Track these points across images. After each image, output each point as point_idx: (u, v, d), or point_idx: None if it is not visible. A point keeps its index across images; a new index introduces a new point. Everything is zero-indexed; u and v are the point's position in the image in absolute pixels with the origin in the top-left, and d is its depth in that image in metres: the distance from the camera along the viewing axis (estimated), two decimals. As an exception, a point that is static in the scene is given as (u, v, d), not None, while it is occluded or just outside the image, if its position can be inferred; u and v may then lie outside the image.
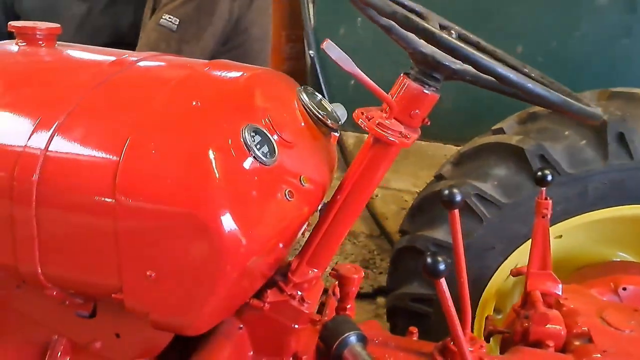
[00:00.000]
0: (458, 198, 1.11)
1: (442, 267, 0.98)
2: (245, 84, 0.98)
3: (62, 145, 0.85)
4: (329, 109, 1.15)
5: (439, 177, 1.96)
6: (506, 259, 1.82)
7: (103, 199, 0.81)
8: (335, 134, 1.22)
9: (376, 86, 0.88)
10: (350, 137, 2.90)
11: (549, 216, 1.42)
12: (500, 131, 1.89)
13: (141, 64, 1.01)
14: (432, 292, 1.89)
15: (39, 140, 0.86)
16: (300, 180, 0.95)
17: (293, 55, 3.13)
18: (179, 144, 0.83)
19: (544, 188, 1.42)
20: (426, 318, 1.89)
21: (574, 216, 1.75)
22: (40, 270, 0.88)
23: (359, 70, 0.85)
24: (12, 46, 1.08)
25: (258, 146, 0.87)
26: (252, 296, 1.04)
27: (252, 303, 1.04)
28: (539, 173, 1.40)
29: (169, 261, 0.83)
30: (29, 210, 0.84)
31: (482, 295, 1.88)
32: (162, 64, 1.04)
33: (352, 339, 1.17)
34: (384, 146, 0.96)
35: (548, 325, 1.37)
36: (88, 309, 1.00)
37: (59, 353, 1.04)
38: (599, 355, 1.30)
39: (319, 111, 1.10)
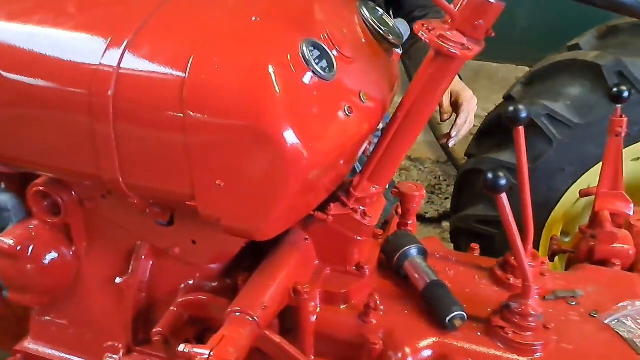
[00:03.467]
0: (523, 115, 1.09)
1: (502, 182, 0.98)
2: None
3: (133, 62, 0.90)
4: (391, 25, 1.14)
5: (508, 99, 1.90)
6: (576, 181, 1.78)
7: (172, 113, 0.87)
8: (398, 50, 1.20)
9: None
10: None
11: (623, 135, 1.37)
12: (576, 47, 1.79)
13: None
14: (497, 213, 1.90)
15: (112, 58, 0.91)
16: (360, 97, 0.96)
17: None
18: (240, 60, 0.85)
19: (619, 105, 1.35)
20: (490, 240, 1.90)
21: (653, 137, 1.67)
22: (121, 180, 0.97)
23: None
24: None
25: (317, 61, 0.88)
26: (316, 209, 1.09)
27: (316, 215, 1.09)
28: (615, 89, 1.33)
29: (236, 171, 0.88)
30: (107, 124, 0.91)
31: (549, 217, 1.86)
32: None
33: (413, 251, 1.21)
34: (445, 59, 0.95)
35: (615, 245, 1.35)
36: (166, 218, 1.09)
37: (143, 257, 1.16)
38: (668, 275, 1.28)
39: (380, 26, 1.09)
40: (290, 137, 0.84)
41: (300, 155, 0.85)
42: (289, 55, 0.86)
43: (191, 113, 0.85)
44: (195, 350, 0.89)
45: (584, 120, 1.68)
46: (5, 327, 1.42)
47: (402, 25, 1.13)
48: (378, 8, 1.13)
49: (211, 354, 0.88)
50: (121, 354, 1.20)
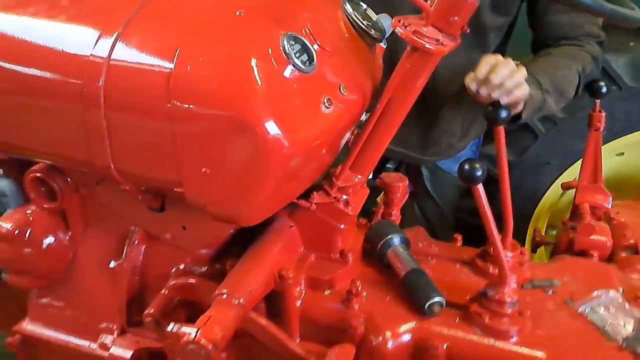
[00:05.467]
0: (503, 114, 1.13)
1: (479, 173, 1.02)
2: None
3: (123, 53, 0.94)
4: (374, 19, 1.18)
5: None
6: (561, 174, 1.83)
7: (159, 103, 0.91)
8: (382, 45, 1.24)
9: None
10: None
11: (601, 129, 1.41)
12: (563, 44, 1.82)
13: None
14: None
15: (103, 49, 0.95)
16: (340, 89, 1.00)
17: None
18: (223, 52, 0.90)
19: (599, 100, 1.39)
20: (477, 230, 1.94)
21: (635, 132, 1.71)
22: (113, 167, 1.01)
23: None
24: None
25: (297, 54, 0.93)
26: (300, 197, 1.14)
27: (300, 203, 1.14)
28: (594, 84, 1.37)
29: (220, 159, 0.93)
30: (98, 112, 0.95)
31: (535, 210, 1.90)
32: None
33: (395, 240, 1.26)
34: (421, 54, 0.99)
35: (593, 236, 1.39)
36: (157, 204, 1.14)
37: (136, 242, 1.21)
38: (642, 266, 1.32)
39: (363, 22, 1.13)
40: (270, 127, 0.88)
41: (281, 145, 0.90)
42: (270, 49, 0.90)
43: (177, 103, 0.90)
44: (184, 329, 0.94)
45: (568, 115, 1.72)
46: (4, 309, 1.47)
47: (385, 20, 1.17)
48: (362, 3, 1.16)
49: (198, 332, 0.93)
50: (115, 334, 1.25)
